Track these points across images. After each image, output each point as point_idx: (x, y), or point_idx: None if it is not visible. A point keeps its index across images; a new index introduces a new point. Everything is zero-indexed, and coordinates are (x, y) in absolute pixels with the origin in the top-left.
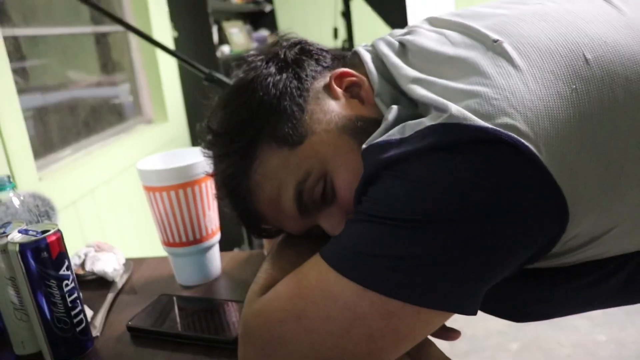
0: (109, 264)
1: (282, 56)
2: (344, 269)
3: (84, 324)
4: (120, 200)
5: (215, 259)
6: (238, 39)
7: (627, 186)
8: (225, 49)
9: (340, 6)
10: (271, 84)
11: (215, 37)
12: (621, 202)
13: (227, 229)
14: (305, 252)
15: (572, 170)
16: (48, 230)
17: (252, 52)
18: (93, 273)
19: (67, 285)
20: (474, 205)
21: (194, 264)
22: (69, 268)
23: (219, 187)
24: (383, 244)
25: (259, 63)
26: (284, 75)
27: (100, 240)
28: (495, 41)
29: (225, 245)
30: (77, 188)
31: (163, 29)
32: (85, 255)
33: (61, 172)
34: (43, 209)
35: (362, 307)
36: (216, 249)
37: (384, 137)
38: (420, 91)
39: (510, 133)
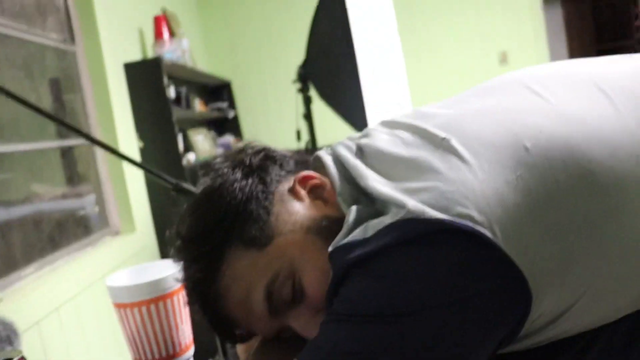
0: None
1: (248, 162)
2: None
3: None
4: (88, 318)
5: None
6: (203, 145)
7: (580, 260)
8: (191, 157)
9: (301, 109)
10: (237, 189)
11: (181, 145)
12: (577, 276)
13: (200, 340)
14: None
15: (528, 250)
16: (11, 359)
17: (218, 160)
18: None
19: None
20: (441, 293)
21: None
22: None
23: (189, 292)
24: (357, 342)
25: (225, 170)
26: (250, 180)
27: None
28: (443, 139)
29: (199, 356)
30: (40, 307)
31: (129, 140)
32: None
33: (24, 291)
34: (4, 334)
35: None
36: None
37: (348, 239)
38: (380, 188)
39: (466, 222)
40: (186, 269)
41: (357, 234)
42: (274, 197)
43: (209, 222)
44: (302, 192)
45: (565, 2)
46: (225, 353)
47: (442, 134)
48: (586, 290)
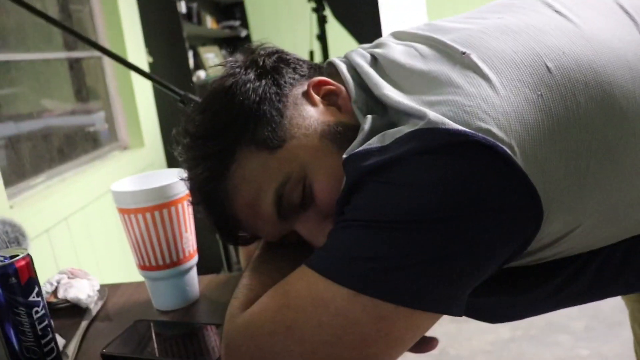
0: (83, 291)
1: (261, 63)
2: (334, 275)
3: (54, 353)
4: (95, 227)
5: (193, 282)
6: (214, 63)
7: (591, 186)
8: (201, 74)
9: (315, 29)
10: (251, 90)
11: (191, 62)
12: (586, 201)
13: (205, 255)
14: (286, 267)
15: (544, 171)
16: (17, 255)
17: (230, 59)
18: (66, 300)
19: (37, 312)
20: (458, 204)
21: (171, 288)
22: (39, 294)
23: (194, 191)
24: (372, 247)
25: (237, 70)
26: (263, 82)
27: (73, 267)
28: (464, 53)
29: (204, 272)
30: (50, 216)
31: (138, 54)
32: (58, 282)
33: (33, 199)
34: (13, 235)
35: (354, 312)
36: (194, 272)
37: (364, 147)
38: (396, 98)
39: (486, 136)
40: (193, 167)
41: (374, 142)
42: (287, 100)
43: (220, 120)
44: (316, 97)
45: None
46: (230, 268)
47: (461, 48)
48: (593, 213)
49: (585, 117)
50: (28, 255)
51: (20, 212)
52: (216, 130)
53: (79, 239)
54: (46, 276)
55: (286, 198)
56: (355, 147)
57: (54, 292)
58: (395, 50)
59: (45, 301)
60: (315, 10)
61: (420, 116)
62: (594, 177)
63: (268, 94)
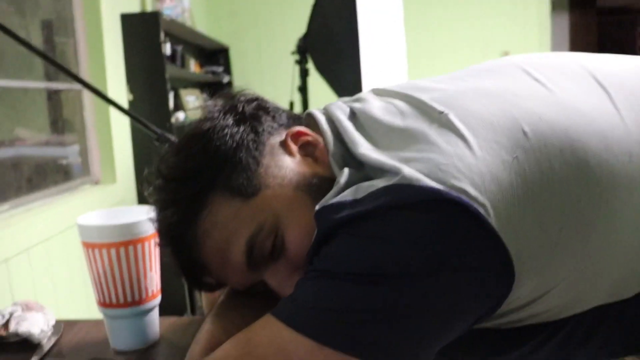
0: (36, 325)
1: (240, 110)
2: (299, 325)
3: None
4: (58, 261)
5: (154, 323)
6: (194, 106)
7: (562, 251)
8: (180, 116)
9: (297, 81)
10: (228, 135)
11: (171, 103)
12: (557, 266)
13: (169, 296)
14: (250, 315)
15: (517, 233)
16: None
17: (209, 103)
18: (17, 334)
19: None
20: (427, 261)
21: (130, 327)
22: None
23: (163, 234)
24: (338, 299)
25: (216, 114)
26: (241, 128)
27: (30, 300)
28: (441, 113)
29: (166, 313)
30: (10, 245)
31: (119, 91)
32: (11, 314)
33: None
34: None
35: None
36: (155, 313)
37: (337, 199)
38: (372, 155)
39: (460, 195)
40: (163, 210)
41: (347, 195)
42: (264, 149)
43: (194, 164)
44: (294, 147)
45: (572, 13)
46: (193, 311)
47: (440, 108)
48: (564, 279)
49: (559, 182)
50: None
51: None
52: (189, 174)
53: (39, 271)
54: (0, 307)
55: (257, 248)
56: (328, 199)
57: (5, 325)
58: (374, 106)
59: None
60: (299, 62)
61: (395, 172)
62: (565, 242)
63: (245, 141)
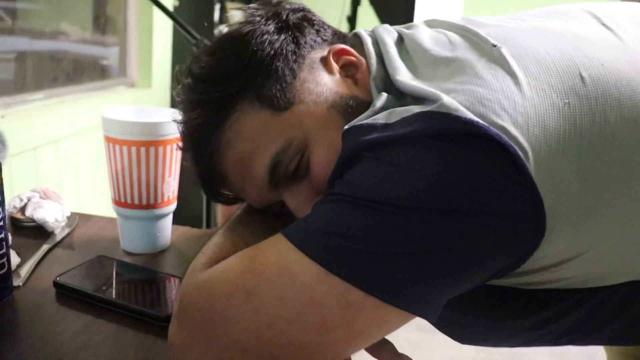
0: (51, 214)
1: (284, 17)
2: (308, 248)
3: (4, 269)
4: (84, 156)
5: (166, 230)
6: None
7: (603, 214)
8: (224, 30)
9: (347, 10)
10: (267, 42)
11: (216, 16)
12: (594, 229)
13: (186, 207)
14: (262, 233)
15: (555, 185)
16: None
17: (251, 6)
18: (32, 220)
19: None
20: (454, 198)
21: (142, 230)
22: (0, 204)
23: (185, 135)
24: (354, 225)
25: (257, 18)
26: (282, 37)
27: (48, 188)
28: (494, 46)
29: (181, 223)
30: (40, 134)
31: None
32: (28, 199)
33: (27, 114)
34: None
35: (320, 292)
36: (169, 219)
37: (368, 120)
38: (411, 82)
39: (500, 132)
40: (189, 111)
41: (379, 117)
42: (303, 62)
43: (228, 66)
44: (335, 66)
45: None
46: (209, 226)
47: (493, 41)
48: (599, 244)
49: (611, 137)
50: None
51: (11, 123)
52: (221, 76)
53: (64, 163)
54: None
55: (282, 166)
56: (359, 121)
57: (22, 209)
58: (424, 34)
59: (6, 213)
60: None
61: (434, 99)
62: (606, 205)
63: (284, 51)
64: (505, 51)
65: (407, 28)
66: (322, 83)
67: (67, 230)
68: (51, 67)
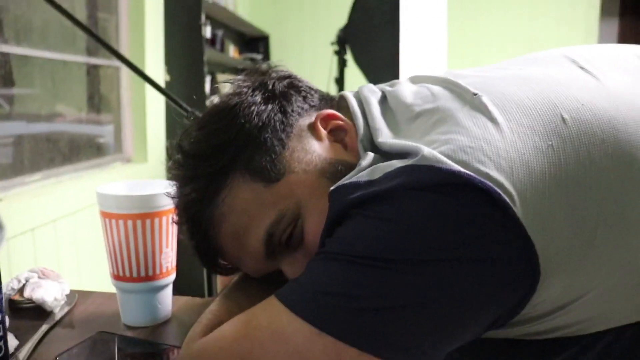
0: (50, 293)
1: (270, 87)
2: (299, 308)
3: (1, 353)
4: (83, 234)
5: (167, 301)
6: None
7: (600, 252)
8: (215, 100)
9: (335, 72)
10: (254, 113)
11: (207, 87)
12: (590, 270)
13: (186, 276)
14: (256, 296)
15: (545, 227)
16: None
17: (238, 78)
18: (31, 301)
19: None
20: (443, 247)
21: (142, 303)
22: None
23: (180, 211)
24: (344, 283)
25: (244, 89)
26: (269, 107)
27: (47, 267)
28: (475, 94)
29: (182, 293)
30: (38, 215)
31: (156, 71)
32: (26, 280)
33: (25, 196)
34: None
35: (314, 353)
36: (169, 290)
37: (352, 179)
38: (391, 141)
39: (483, 179)
40: (182, 186)
41: (363, 175)
42: (291, 131)
43: (217, 139)
44: (323, 132)
45: (623, 19)
46: (210, 294)
47: (473, 90)
48: (599, 284)
49: (598, 175)
50: None
51: (9, 206)
52: (210, 150)
53: (63, 243)
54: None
55: (276, 237)
56: (344, 180)
57: (20, 290)
58: (406, 90)
59: (2, 296)
60: (337, 53)
61: (415, 153)
62: (602, 243)
63: (272, 121)
64: (485, 99)
65: (391, 86)
66: (311, 151)
67: (66, 309)
68: (48, 148)
